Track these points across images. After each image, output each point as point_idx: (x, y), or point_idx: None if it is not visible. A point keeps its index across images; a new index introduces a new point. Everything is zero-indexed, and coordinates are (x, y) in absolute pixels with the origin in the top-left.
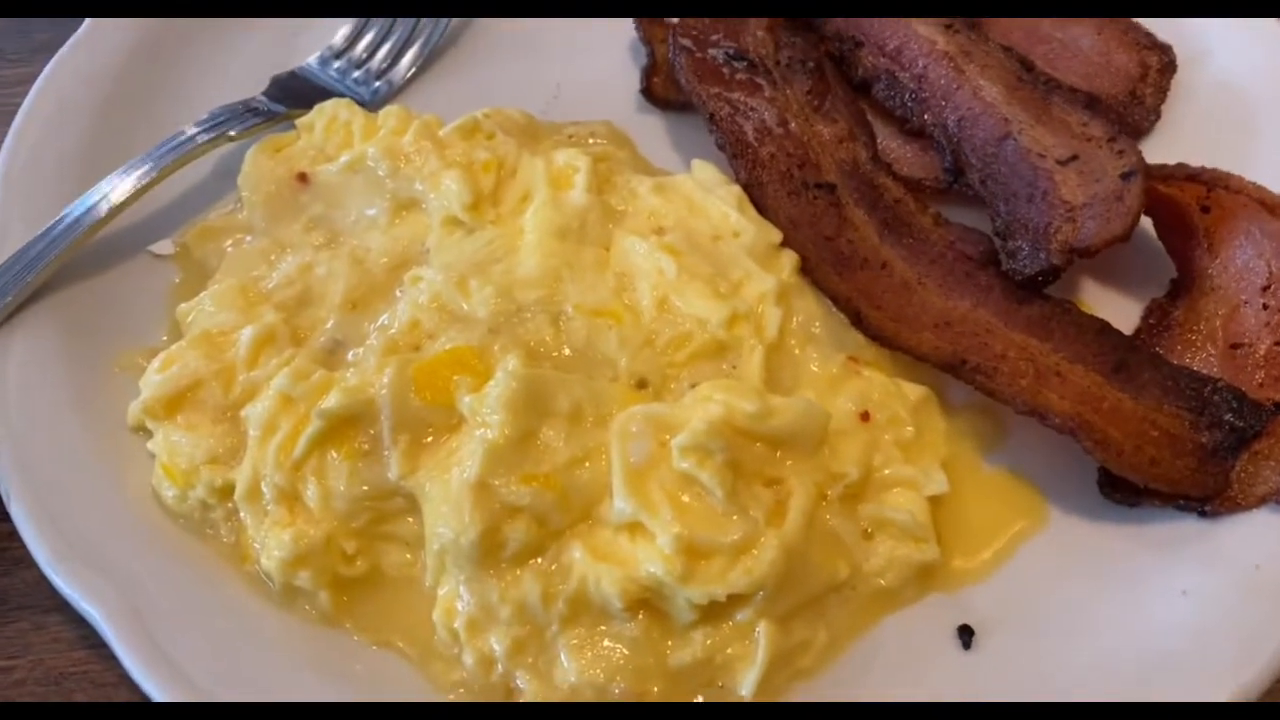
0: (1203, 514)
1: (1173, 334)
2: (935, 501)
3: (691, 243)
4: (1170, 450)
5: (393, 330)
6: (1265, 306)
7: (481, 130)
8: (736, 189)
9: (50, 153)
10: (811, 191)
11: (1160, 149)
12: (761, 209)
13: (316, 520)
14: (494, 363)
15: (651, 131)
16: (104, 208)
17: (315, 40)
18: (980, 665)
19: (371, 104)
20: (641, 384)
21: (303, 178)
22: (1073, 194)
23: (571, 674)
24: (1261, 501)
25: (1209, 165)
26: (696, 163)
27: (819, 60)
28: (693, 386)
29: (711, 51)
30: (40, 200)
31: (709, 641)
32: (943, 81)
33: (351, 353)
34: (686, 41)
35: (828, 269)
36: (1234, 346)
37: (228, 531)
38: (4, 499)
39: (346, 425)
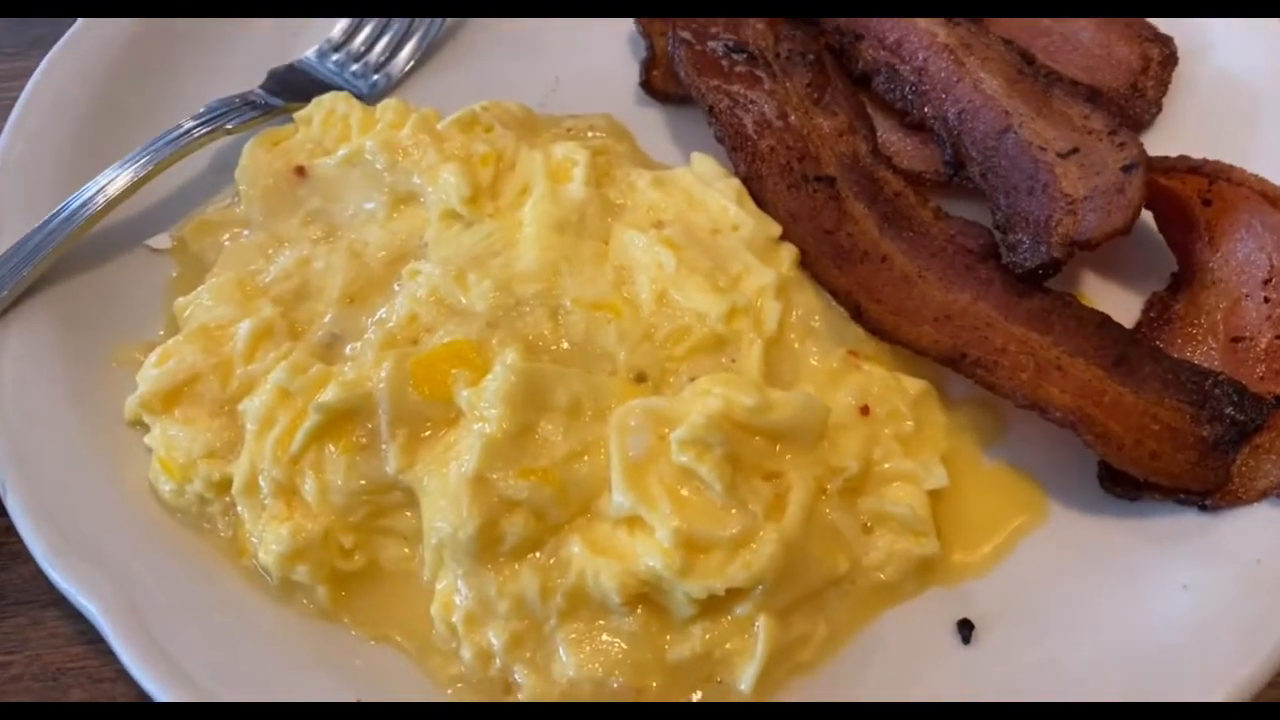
0: (1203, 508)
1: (1174, 327)
2: (935, 496)
3: (690, 236)
4: (1171, 444)
5: (391, 324)
6: (1266, 300)
7: (480, 123)
8: (736, 182)
9: (47, 146)
10: (811, 185)
11: (1161, 142)
12: (761, 202)
13: (314, 514)
14: (492, 356)
15: (651, 125)
16: (101, 201)
17: (313, 34)
18: (980, 660)
19: (369, 97)
20: (640, 378)
21: (300, 171)
22: (1073, 187)
23: (570, 668)
24: (1262, 495)
25: (1210, 158)
26: (696, 156)
27: (819, 53)
28: (692, 380)
29: (711, 44)
30: (37, 193)
31: (708, 636)
32: (943, 74)
33: (349, 346)
34: (686, 34)
35: (827, 262)
36: (1235, 340)
37: (225, 526)
38: (1, 493)
39: (344, 419)
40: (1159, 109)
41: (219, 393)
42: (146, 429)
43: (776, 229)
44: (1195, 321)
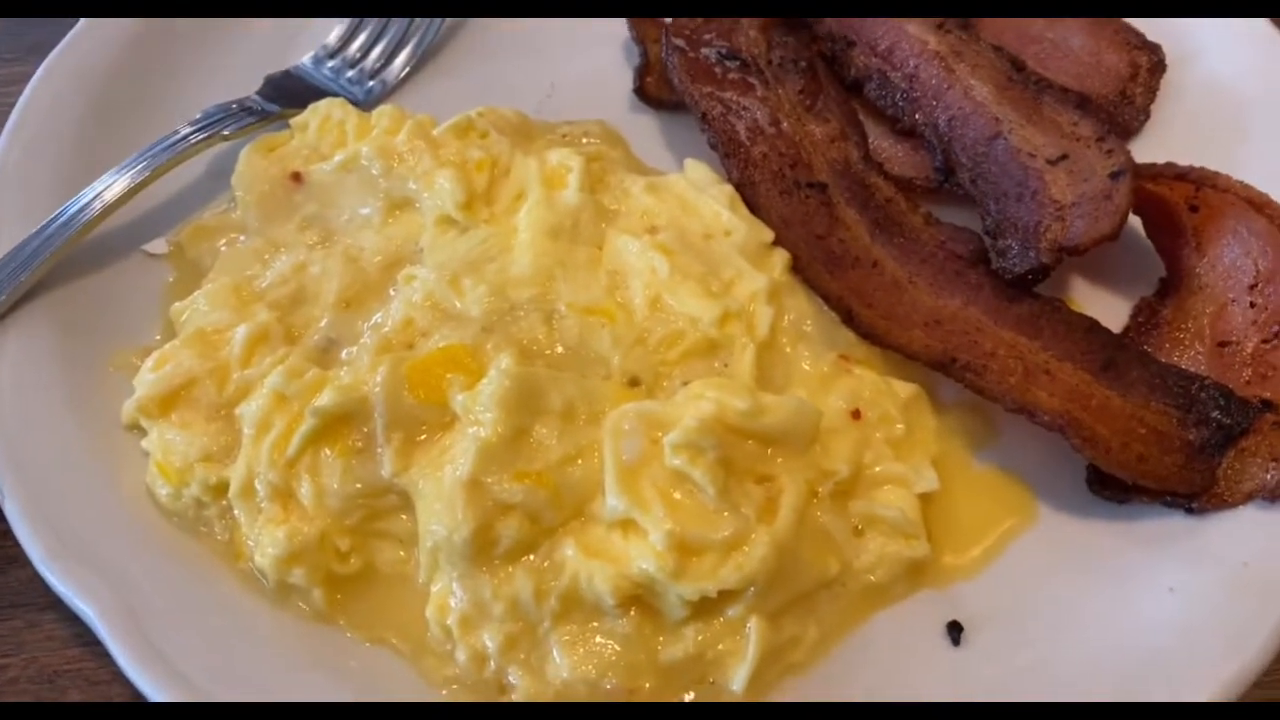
0: (1190, 511)
1: (1161, 332)
2: (925, 499)
3: (684, 242)
4: (1158, 447)
5: (386, 329)
6: (1252, 305)
7: (475, 129)
8: (729, 188)
9: (44, 151)
10: (803, 191)
11: (1150, 148)
12: (753, 208)
13: (310, 518)
14: (487, 361)
15: (645, 131)
16: (98, 206)
17: (309, 40)
18: (969, 661)
19: (365, 103)
20: (634, 382)
21: (296, 177)
22: (1062, 193)
23: (564, 670)
24: (1248, 498)
25: (1198, 164)
26: (689, 162)
27: (811, 60)
28: (685, 384)
29: (704, 51)
30: (34, 198)
31: (700, 637)
32: (934, 81)
33: (345, 351)
34: (679, 41)
35: (819, 268)
36: (1221, 344)
37: (222, 529)
38: None
39: (340, 423)
40: (1147, 116)
41: (215, 397)
42: (143, 433)
43: (769, 234)
44: (1183, 326)
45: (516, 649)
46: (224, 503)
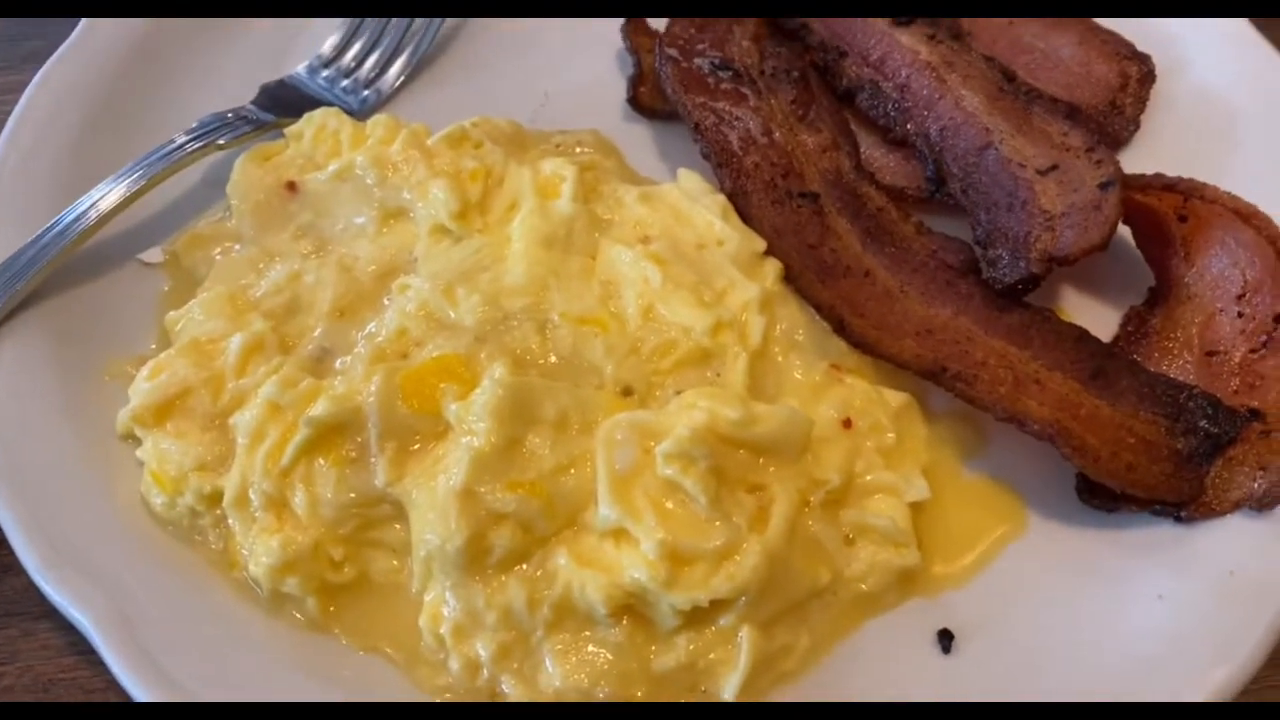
0: (1178, 519)
1: (1150, 341)
2: (916, 507)
3: (676, 251)
4: (1146, 456)
5: (380, 338)
6: (1240, 314)
7: (469, 139)
8: (721, 198)
9: (40, 160)
10: (795, 200)
11: (1140, 158)
12: (746, 218)
13: (304, 527)
14: (480, 371)
15: (638, 140)
16: (93, 215)
17: (304, 49)
18: (960, 669)
19: (360, 113)
20: (627, 391)
21: (291, 186)
22: (1052, 203)
23: (556, 679)
24: (1236, 507)
25: (1188, 174)
26: (682, 172)
27: (803, 70)
28: (677, 394)
29: (697, 61)
30: (30, 207)
31: (692, 646)
32: (925, 91)
33: (339, 361)
34: (673, 51)
35: (811, 277)
36: (1209, 354)
37: (216, 538)
38: None
39: (334, 433)
40: (1137, 126)
41: (210, 406)
42: (138, 442)
43: (761, 244)
44: (1171, 335)
45: (509, 658)
46: (218, 512)
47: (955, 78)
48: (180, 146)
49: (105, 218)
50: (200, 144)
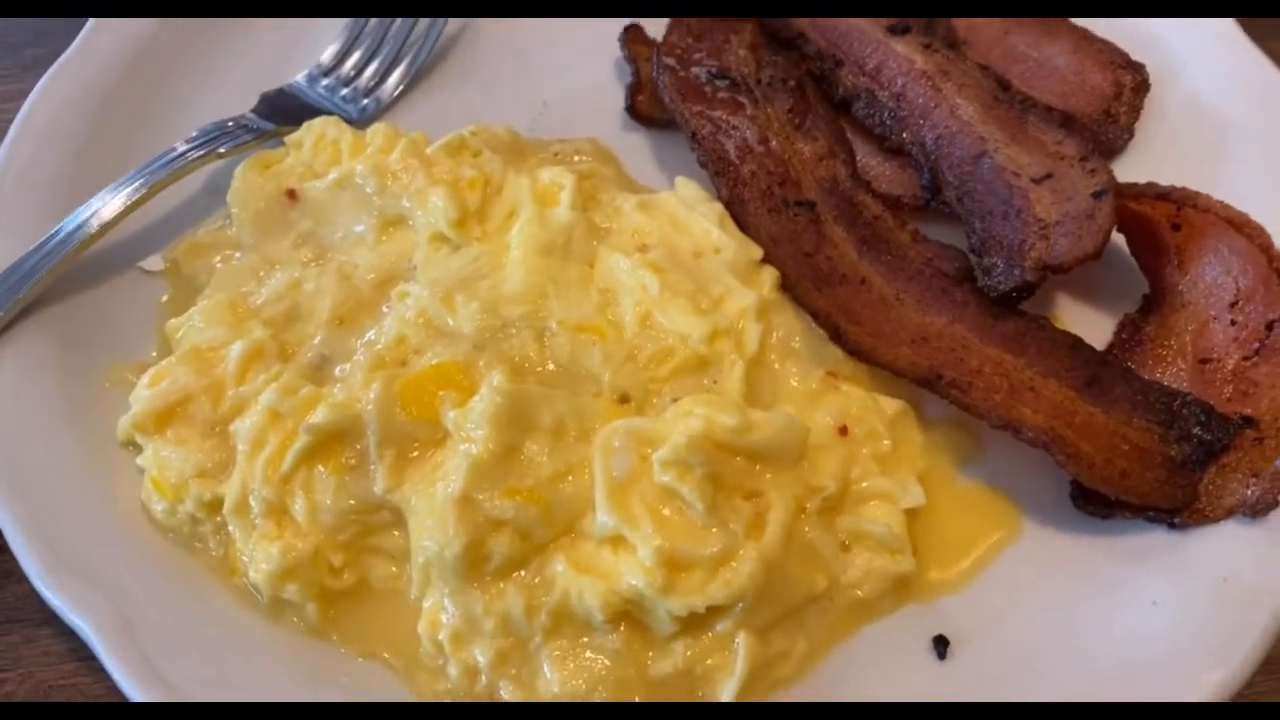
0: (1172, 526)
1: (1144, 349)
2: (912, 514)
3: (674, 259)
4: (1140, 463)
5: (379, 346)
6: (1233, 322)
7: (468, 148)
8: (718, 206)
9: (42, 169)
10: (792, 209)
11: (1134, 166)
12: (743, 226)
13: (304, 534)
14: (479, 378)
15: (636, 149)
16: (95, 224)
17: (304, 58)
18: (955, 674)
19: (359, 121)
20: (624, 399)
21: (291, 194)
22: (1046, 212)
23: (554, 685)
24: (1229, 513)
25: (1181, 183)
26: (680, 180)
27: (800, 79)
28: (674, 401)
29: (694, 70)
30: (32, 216)
31: (689, 652)
32: (921, 100)
33: (339, 368)
34: (670, 60)
35: (807, 285)
36: (1203, 361)
37: (216, 545)
38: None
39: (333, 440)
40: (1131, 134)
41: (210, 414)
42: (139, 449)
43: (758, 252)
44: (1165, 343)
45: (508, 664)
46: (219, 518)
47: (950, 86)
48: (181, 155)
49: (106, 226)
50: (201, 152)
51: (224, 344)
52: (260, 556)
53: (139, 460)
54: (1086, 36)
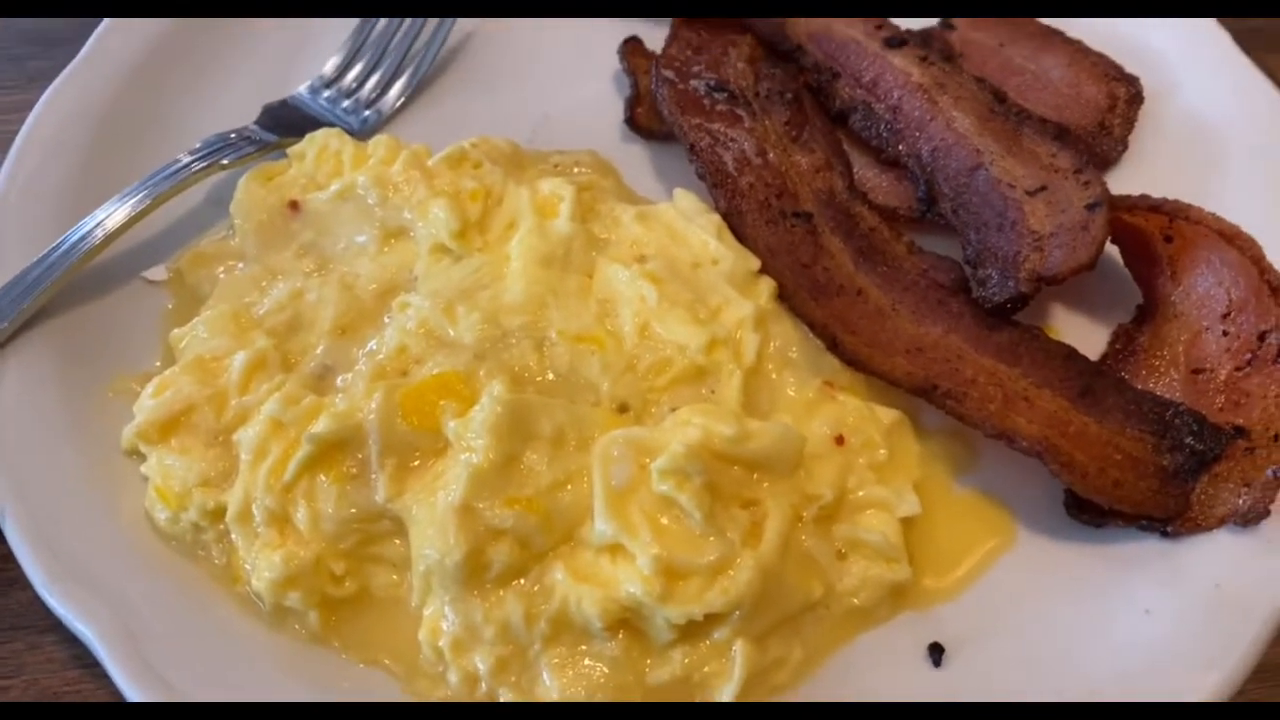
0: (1165, 534)
1: (1138, 359)
2: (907, 522)
3: (672, 270)
4: (1133, 472)
5: (381, 356)
6: (1225, 333)
7: (469, 159)
8: (716, 218)
9: (46, 180)
10: (789, 220)
11: (1128, 178)
12: (740, 237)
13: (306, 542)
14: (479, 388)
15: (635, 161)
16: (99, 234)
17: (306, 70)
18: (950, 681)
19: (361, 133)
20: (623, 408)
21: (294, 205)
22: (1040, 224)
23: (553, 691)
24: (1221, 522)
25: (1174, 195)
26: (678, 192)
27: (797, 92)
28: (673, 411)
29: (693, 83)
30: (36, 227)
31: (687, 660)
32: (917, 113)
33: (341, 378)
34: (669, 73)
35: (804, 295)
36: (1195, 371)
37: (219, 553)
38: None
39: (335, 449)
40: (1125, 146)
41: (214, 423)
42: (143, 458)
43: (755, 263)
44: (1158, 353)
45: (507, 671)
46: (221, 527)
47: (946, 99)
48: (185, 166)
49: (111, 236)
50: (204, 164)
51: (227, 354)
52: (262, 564)
53: (143, 469)
54: (1081, 50)
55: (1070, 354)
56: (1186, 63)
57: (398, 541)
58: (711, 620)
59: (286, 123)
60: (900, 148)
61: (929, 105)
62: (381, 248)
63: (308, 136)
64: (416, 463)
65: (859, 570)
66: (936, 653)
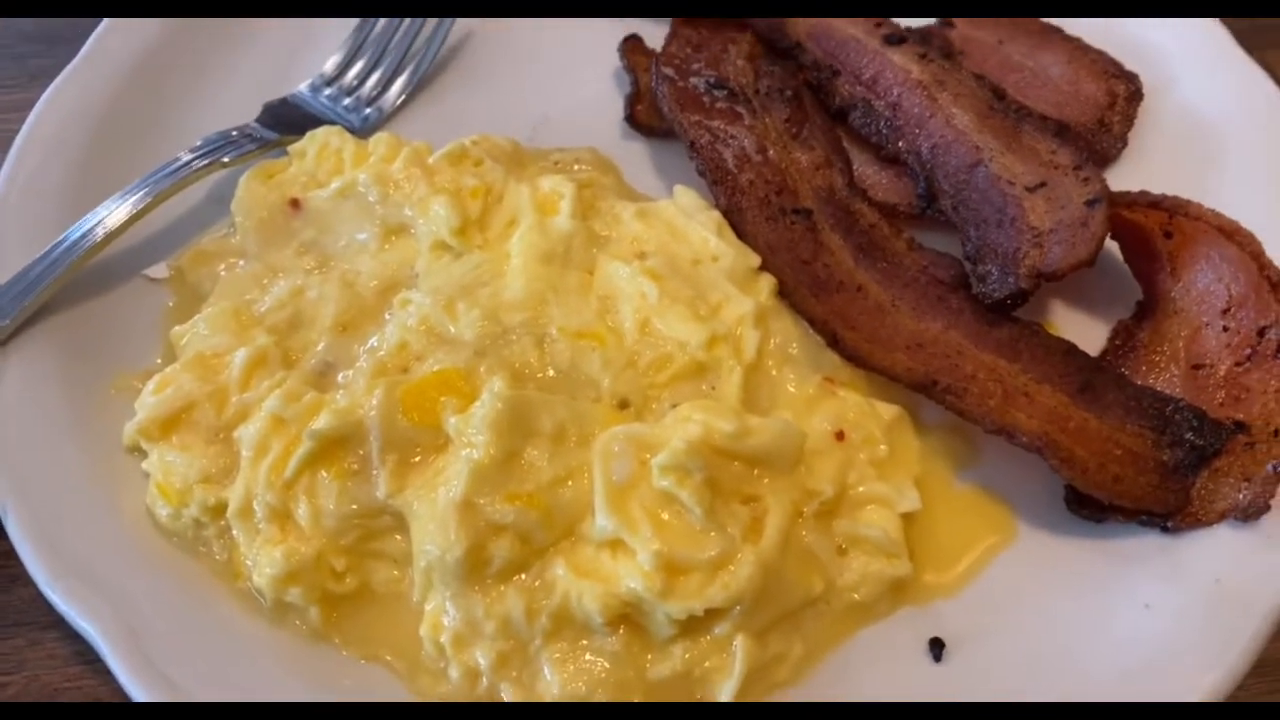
0: (1165, 529)
1: (1138, 355)
2: (908, 518)
3: (672, 267)
4: (1133, 468)
5: (382, 352)
6: (1225, 329)
7: (469, 157)
8: (716, 214)
9: (48, 178)
10: (789, 217)
11: (1127, 175)
12: (741, 234)
13: (307, 538)
14: (480, 384)
15: (635, 158)
16: (100, 232)
17: (307, 68)
18: (950, 677)
19: (362, 131)
20: (623, 404)
21: (295, 203)
22: (1040, 220)
23: (554, 687)
24: (1221, 517)
25: (1174, 191)
26: (678, 189)
27: (797, 89)
28: (673, 407)
29: (693, 80)
30: (38, 224)
31: (687, 655)
32: (916, 110)
33: (341, 374)
34: (668, 70)
35: (804, 292)
36: (1195, 367)
37: (220, 549)
38: (2, 518)
39: (336, 446)
40: (1125, 143)
41: (215, 420)
42: (144, 455)
43: (755, 259)
44: (1159, 349)
45: (508, 666)
46: (222, 523)
47: (946, 96)
48: (186, 164)
49: (112, 234)
50: (205, 162)
51: (228, 351)
52: (263, 561)
53: (144, 466)
54: (1081, 47)
55: (1070, 350)
56: (1186, 59)
57: (399, 537)
58: (712, 616)
59: (287, 120)
60: (900, 145)
61: (928, 102)
62: (382, 245)
63: (308, 134)
64: (417, 459)
65: (859, 566)
66: (937, 648)
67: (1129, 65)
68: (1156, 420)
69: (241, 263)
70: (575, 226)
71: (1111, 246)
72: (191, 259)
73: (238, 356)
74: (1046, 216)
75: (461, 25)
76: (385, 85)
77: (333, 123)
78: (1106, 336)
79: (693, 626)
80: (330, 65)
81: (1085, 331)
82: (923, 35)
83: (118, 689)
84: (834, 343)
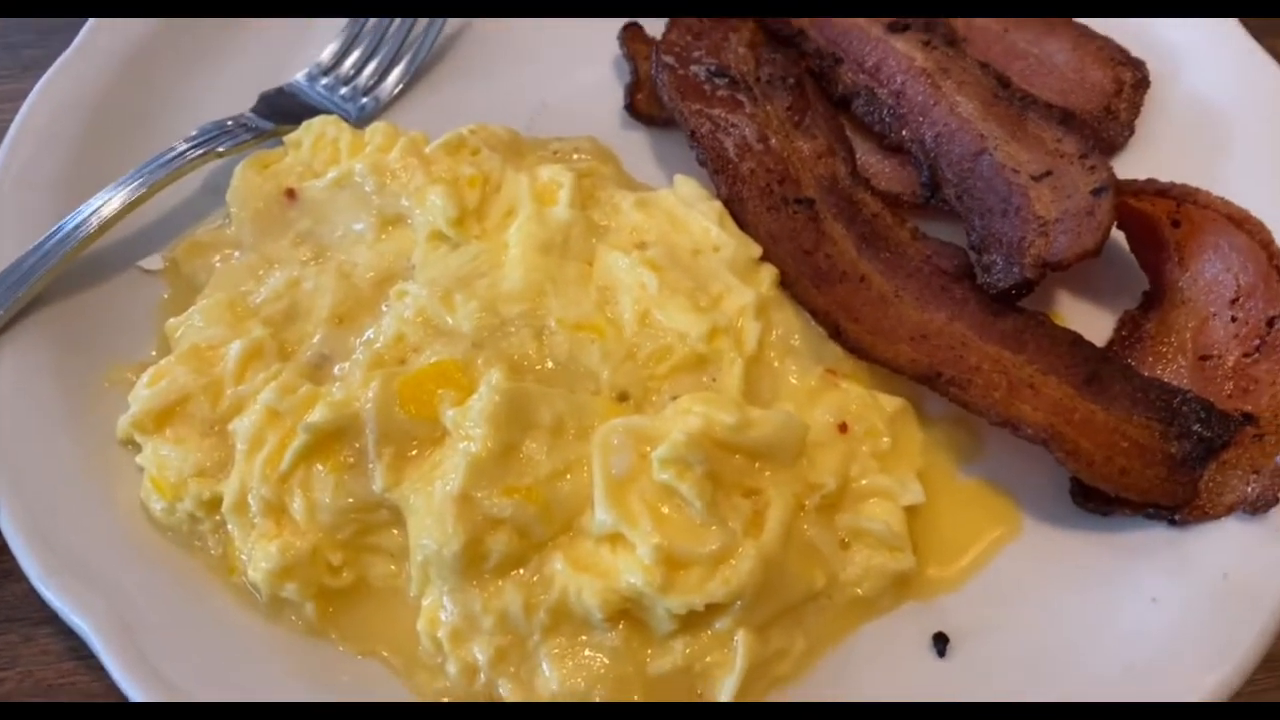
0: (1172, 522)
1: (1144, 345)
2: (911, 511)
3: (673, 257)
4: (1140, 460)
5: (378, 344)
6: (1233, 319)
7: (467, 146)
8: (717, 204)
9: (41, 168)
10: (791, 206)
11: (1134, 162)
12: (742, 224)
13: (303, 532)
14: (478, 376)
15: (635, 147)
16: (94, 223)
17: (303, 57)
18: (954, 672)
19: (358, 120)
20: (623, 397)
21: (290, 194)
22: (1045, 209)
23: (553, 682)
24: (1229, 510)
25: (1182, 179)
26: (679, 178)
27: (799, 77)
28: (673, 399)
29: (693, 68)
30: (31, 215)
31: (688, 650)
32: (920, 98)
33: (338, 367)
34: (669, 58)
35: (806, 283)
36: (1203, 358)
37: (215, 544)
38: None
39: (332, 439)
40: (1131, 131)
41: (209, 413)
42: (138, 448)
43: (757, 250)
44: (1166, 340)
45: (506, 662)
46: (217, 517)
47: (950, 84)
48: (180, 154)
49: (106, 225)
50: (200, 151)
51: (223, 343)
52: (259, 555)
53: (138, 459)
54: (1086, 33)
55: (1076, 340)
56: (1192, 46)
57: (395, 531)
58: (713, 610)
59: (283, 110)
60: (903, 133)
61: (932, 90)
62: (379, 236)
63: (304, 124)
64: (414, 452)
65: (862, 560)
66: (940, 643)
67: (1135, 52)
68: (1164, 412)
69: (237, 254)
70: (574, 216)
71: (1118, 236)
72: (186, 250)
73: (233, 349)
74: (1052, 205)
75: None
76: (382, 74)
77: (329, 112)
78: (1113, 327)
79: (693, 621)
80: (327, 54)
81: (1091, 322)
82: (926, 23)
83: (112, 685)
84: (836, 334)
